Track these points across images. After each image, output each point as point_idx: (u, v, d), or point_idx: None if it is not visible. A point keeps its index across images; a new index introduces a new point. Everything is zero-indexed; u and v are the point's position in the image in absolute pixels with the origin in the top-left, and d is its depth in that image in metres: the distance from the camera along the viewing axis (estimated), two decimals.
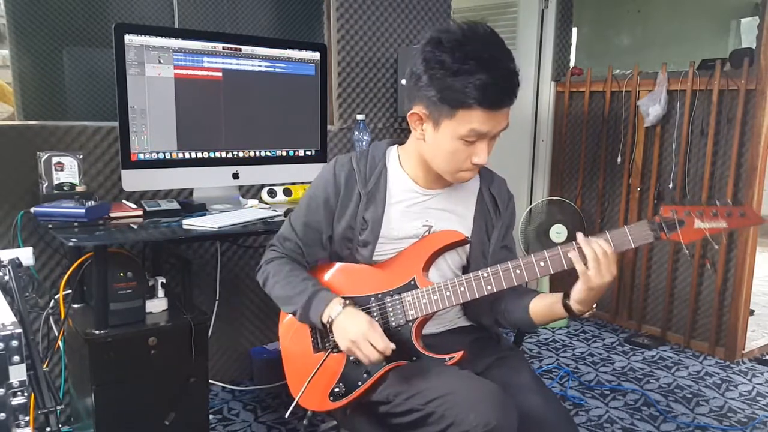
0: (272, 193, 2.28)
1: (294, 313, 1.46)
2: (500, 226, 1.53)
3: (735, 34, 4.34)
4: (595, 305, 1.33)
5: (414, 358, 1.39)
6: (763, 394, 2.69)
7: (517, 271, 1.34)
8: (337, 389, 1.41)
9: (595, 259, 1.26)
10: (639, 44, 4.48)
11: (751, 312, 3.19)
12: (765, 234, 3.61)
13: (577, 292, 1.31)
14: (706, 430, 2.39)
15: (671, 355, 3.11)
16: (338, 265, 1.52)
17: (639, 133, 3.28)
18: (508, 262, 1.35)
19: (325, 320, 1.40)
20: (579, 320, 3.58)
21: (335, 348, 1.43)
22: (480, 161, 1.36)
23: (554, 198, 3.51)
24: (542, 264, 1.32)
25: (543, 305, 1.41)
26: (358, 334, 1.34)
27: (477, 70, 1.26)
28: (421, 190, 1.49)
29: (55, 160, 1.97)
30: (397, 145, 1.54)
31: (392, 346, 1.34)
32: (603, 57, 4.55)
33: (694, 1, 4.36)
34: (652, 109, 3.11)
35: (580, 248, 1.28)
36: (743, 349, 3.06)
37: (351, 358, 1.41)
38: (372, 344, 1.32)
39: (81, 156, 2.03)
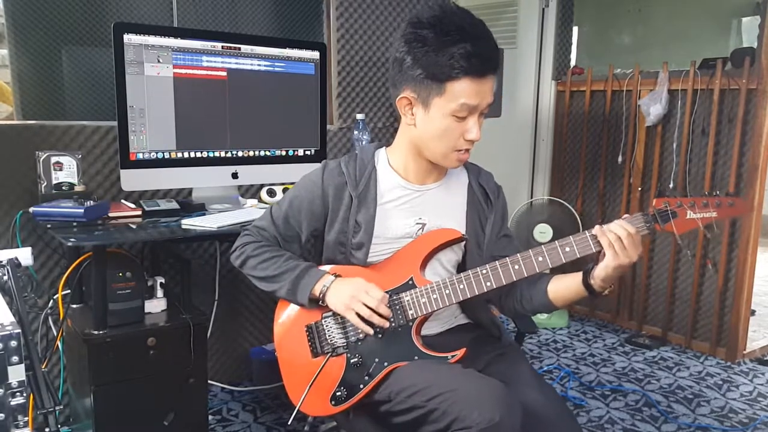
0: (271, 193, 2.28)
1: (278, 291, 1.47)
2: (494, 216, 1.54)
3: (736, 34, 4.34)
4: (612, 285, 1.36)
5: (416, 358, 1.38)
6: (765, 395, 2.69)
7: (516, 267, 1.35)
8: (338, 393, 1.40)
9: (621, 238, 1.28)
10: (640, 43, 4.47)
11: (753, 312, 3.19)
12: (766, 234, 3.60)
13: (603, 269, 1.31)
14: (707, 431, 2.39)
15: (672, 356, 3.10)
16: (334, 267, 1.50)
17: (640, 133, 3.27)
18: (507, 258, 1.36)
19: (317, 292, 1.42)
20: (580, 320, 3.58)
21: (334, 351, 1.43)
22: (472, 137, 1.37)
23: (544, 198, 3.51)
24: (540, 259, 1.35)
25: (563, 286, 1.42)
26: (357, 289, 1.38)
27: (459, 40, 1.29)
28: (412, 186, 1.50)
29: (53, 159, 1.96)
30: (384, 147, 1.55)
31: (387, 295, 1.38)
32: (604, 56, 4.54)
33: (695, 1, 4.35)
34: (653, 108, 3.10)
35: (607, 230, 1.30)
36: (744, 350, 3.06)
37: (351, 361, 1.40)
38: (370, 294, 1.36)
39: (80, 156, 2.02)
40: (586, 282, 1.36)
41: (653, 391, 2.70)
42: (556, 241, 1.34)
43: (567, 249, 1.34)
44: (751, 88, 2.87)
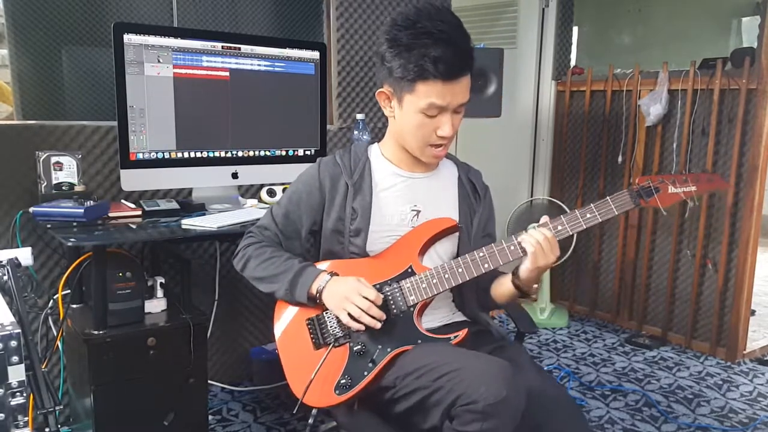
0: (271, 193, 2.28)
1: (277, 292, 1.50)
2: (481, 212, 1.60)
3: (736, 34, 4.33)
4: (536, 285, 1.46)
5: (419, 341, 1.41)
6: (765, 395, 2.69)
7: (512, 248, 1.41)
8: (343, 381, 1.41)
9: (539, 242, 1.37)
10: (640, 43, 4.47)
11: (753, 312, 3.19)
12: (766, 234, 3.60)
13: (524, 271, 1.42)
14: (707, 431, 2.39)
15: (672, 356, 3.10)
16: (333, 261, 1.54)
17: (640, 133, 3.27)
18: (502, 240, 1.43)
19: (314, 292, 1.45)
20: (580, 320, 3.58)
21: (337, 342, 1.44)
22: (444, 133, 1.44)
23: (543, 199, 3.51)
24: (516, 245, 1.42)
25: (498, 284, 1.51)
26: (350, 290, 1.40)
27: (428, 45, 1.36)
28: (406, 173, 1.56)
29: (53, 159, 1.96)
30: (376, 142, 1.62)
31: (382, 296, 1.41)
32: (604, 56, 4.53)
33: (695, 1, 4.35)
34: (653, 108, 3.10)
35: (528, 235, 1.40)
36: (744, 350, 3.06)
37: (354, 349, 1.42)
38: (363, 296, 1.39)
39: (80, 156, 2.02)
40: (514, 281, 1.45)
41: (653, 391, 2.70)
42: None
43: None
44: (751, 88, 2.87)
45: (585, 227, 1.39)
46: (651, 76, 3.20)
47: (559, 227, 1.40)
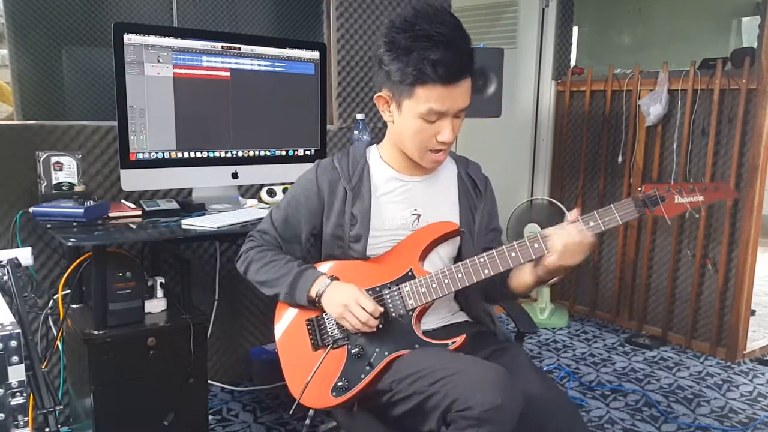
0: (271, 193, 2.28)
1: (279, 295, 1.50)
2: (483, 207, 1.58)
3: (736, 34, 4.33)
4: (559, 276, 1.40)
5: (416, 346, 1.40)
6: (765, 395, 2.69)
7: (512, 254, 1.38)
8: (340, 383, 1.41)
9: (567, 245, 1.31)
10: (640, 43, 4.47)
11: (753, 312, 3.19)
12: (766, 234, 3.60)
13: (551, 262, 1.34)
14: (707, 431, 2.39)
15: (672, 356, 3.10)
16: (334, 262, 1.54)
17: (640, 133, 3.27)
18: (503, 246, 1.40)
19: (313, 295, 1.45)
20: (580, 320, 3.58)
21: (335, 343, 1.44)
22: (444, 139, 1.41)
23: (544, 199, 3.51)
24: (536, 246, 1.36)
25: (518, 272, 1.45)
26: (349, 298, 1.39)
27: (427, 48, 1.33)
28: (405, 178, 1.54)
29: (53, 159, 1.96)
30: (375, 144, 1.60)
31: (381, 309, 1.40)
32: (604, 56, 4.53)
33: (695, 1, 4.35)
34: (653, 108, 3.10)
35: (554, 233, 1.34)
36: (744, 350, 3.06)
37: (352, 351, 1.42)
38: (362, 306, 1.38)
39: (80, 156, 2.02)
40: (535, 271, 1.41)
41: (653, 391, 2.70)
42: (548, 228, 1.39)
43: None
44: (751, 88, 2.87)
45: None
46: (651, 76, 3.20)
47: (546, 232, 1.36)
